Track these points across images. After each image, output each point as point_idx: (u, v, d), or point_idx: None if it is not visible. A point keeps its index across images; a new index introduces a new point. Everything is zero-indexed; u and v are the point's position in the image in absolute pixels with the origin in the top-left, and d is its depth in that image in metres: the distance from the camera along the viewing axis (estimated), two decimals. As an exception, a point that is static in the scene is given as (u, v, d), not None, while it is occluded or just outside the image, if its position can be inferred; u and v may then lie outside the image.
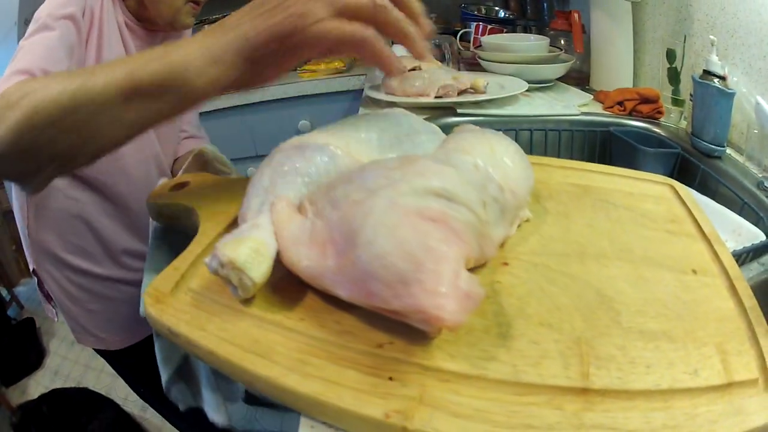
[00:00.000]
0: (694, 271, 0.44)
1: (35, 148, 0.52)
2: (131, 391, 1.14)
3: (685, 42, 1.05)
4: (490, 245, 0.41)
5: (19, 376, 2.49)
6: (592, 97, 1.21)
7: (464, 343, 0.34)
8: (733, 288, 0.42)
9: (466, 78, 1.05)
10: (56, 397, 2.01)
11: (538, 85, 1.24)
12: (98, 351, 1.09)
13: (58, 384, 2.34)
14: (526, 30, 1.64)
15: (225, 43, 0.48)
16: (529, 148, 1.04)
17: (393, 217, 0.34)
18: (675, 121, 1.07)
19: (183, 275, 0.45)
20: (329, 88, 1.87)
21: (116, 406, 1.98)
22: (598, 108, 1.15)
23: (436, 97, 1.02)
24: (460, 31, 1.57)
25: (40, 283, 1.03)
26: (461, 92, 1.04)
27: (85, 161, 0.54)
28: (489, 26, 1.47)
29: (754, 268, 0.58)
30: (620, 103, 1.11)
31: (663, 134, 1.03)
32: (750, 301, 0.40)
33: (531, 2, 1.69)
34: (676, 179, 0.85)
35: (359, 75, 1.87)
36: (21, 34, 2.64)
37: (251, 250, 0.38)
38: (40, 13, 0.81)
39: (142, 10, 0.93)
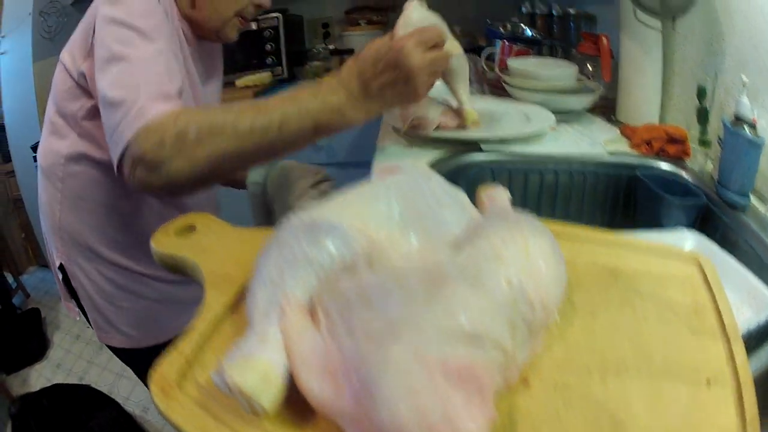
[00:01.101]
0: (708, 382, 0.41)
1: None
2: (133, 390, 1.12)
3: (716, 78, 1.00)
4: (515, 371, 0.38)
5: (21, 365, 2.50)
6: (618, 131, 1.17)
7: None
8: (740, 398, 0.39)
9: (455, 115, 1.01)
10: (58, 391, 2.01)
11: (564, 115, 1.20)
12: (120, 351, 1.08)
13: (60, 377, 2.35)
14: (552, 50, 1.59)
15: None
16: (555, 191, 1.00)
17: (415, 376, 0.31)
18: (701, 163, 1.02)
19: (189, 362, 0.43)
20: (347, 100, 1.83)
21: (117, 406, 1.98)
22: (624, 145, 1.10)
23: (409, 129, 0.99)
24: (484, 47, 1.52)
25: (65, 279, 1.01)
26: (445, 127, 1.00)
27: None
28: (515, 47, 1.42)
29: (764, 353, 0.55)
30: (647, 142, 1.07)
31: (689, 179, 0.99)
32: (752, 410, 0.38)
33: (558, 22, 1.64)
34: (698, 229, 0.82)
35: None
36: (35, 25, 2.62)
37: (260, 375, 0.35)
38: (127, 20, 0.77)
39: (191, 10, 0.92)
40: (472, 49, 1.89)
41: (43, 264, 3.23)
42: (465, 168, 0.94)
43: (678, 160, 1.04)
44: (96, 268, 0.98)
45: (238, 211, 1.61)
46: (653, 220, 0.92)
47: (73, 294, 1.02)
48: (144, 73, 0.73)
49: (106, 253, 0.97)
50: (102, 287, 0.99)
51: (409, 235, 0.51)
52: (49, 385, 2.26)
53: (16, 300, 2.92)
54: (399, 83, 0.74)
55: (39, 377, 2.41)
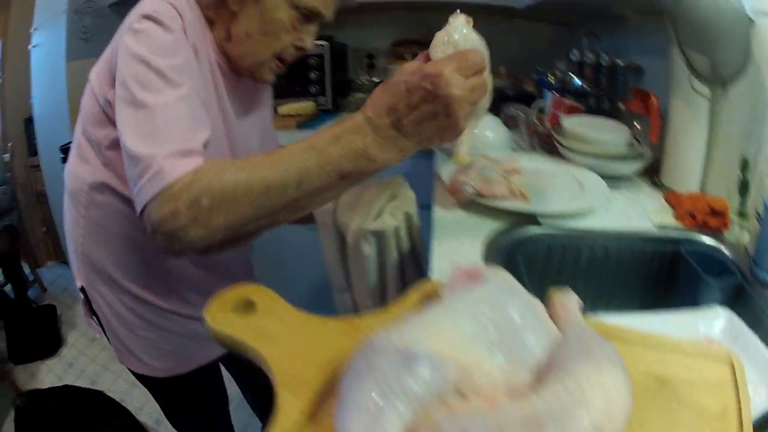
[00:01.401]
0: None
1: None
2: (147, 401, 1.08)
3: (759, 149, 1.00)
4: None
5: (31, 358, 2.48)
6: (662, 197, 1.17)
7: None
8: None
9: (503, 185, 1.00)
10: (69, 393, 1.98)
11: (613, 180, 1.19)
12: (138, 375, 1.05)
13: (71, 377, 2.33)
14: (598, 101, 1.57)
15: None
16: (603, 266, 1.00)
17: None
18: (737, 234, 1.02)
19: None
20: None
21: (129, 416, 1.95)
22: (669, 215, 1.09)
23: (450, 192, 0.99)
24: (531, 93, 1.52)
25: (86, 300, 0.99)
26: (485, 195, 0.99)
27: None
28: (566, 101, 1.41)
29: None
30: (691, 214, 1.07)
31: (727, 254, 0.98)
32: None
33: (606, 72, 1.62)
34: (731, 303, 0.84)
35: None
36: (69, 24, 2.58)
37: None
38: (150, 58, 0.73)
39: (226, 43, 0.88)
40: (519, 95, 1.89)
41: (63, 260, 3.22)
42: (524, 242, 0.93)
43: (717, 232, 1.04)
44: (117, 297, 0.96)
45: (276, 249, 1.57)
46: (690, 297, 0.93)
47: (94, 312, 1.00)
48: (164, 125, 0.70)
49: (128, 285, 0.94)
50: (122, 315, 0.97)
51: (494, 357, 0.50)
52: (58, 382, 2.24)
53: (31, 293, 2.92)
54: (439, 116, 0.64)
55: (49, 373, 2.40)
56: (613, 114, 1.54)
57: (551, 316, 0.59)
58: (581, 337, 0.54)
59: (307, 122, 2.06)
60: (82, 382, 2.25)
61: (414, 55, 2.11)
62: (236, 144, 0.95)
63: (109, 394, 2.00)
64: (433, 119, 0.64)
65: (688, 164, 1.20)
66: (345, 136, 0.65)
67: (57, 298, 2.95)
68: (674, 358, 0.59)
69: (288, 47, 0.89)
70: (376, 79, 2.34)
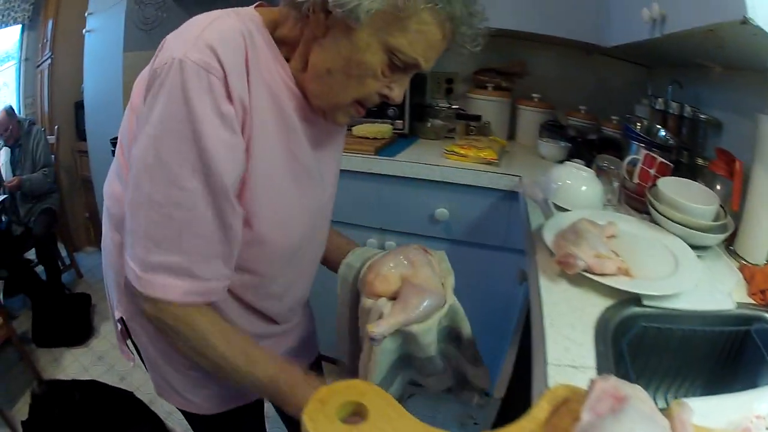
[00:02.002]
0: None
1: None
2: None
3: None
4: None
5: (56, 344, 2.46)
6: (736, 267, 1.14)
7: None
8: None
9: (614, 263, 0.97)
10: (95, 388, 1.93)
11: (698, 249, 1.16)
12: (179, 408, 1.01)
13: (99, 370, 2.30)
14: (678, 153, 1.52)
15: None
16: (688, 344, 0.97)
17: None
18: None
19: None
20: (476, 180, 1.74)
21: (158, 421, 1.91)
22: (743, 291, 1.05)
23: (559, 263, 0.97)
24: (614, 139, 1.47)
25: (124, 330, 0.93)
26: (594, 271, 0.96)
27: None
28: (657, 158, 1.37)
29: None
30: (762, 290, 1.03)
31: None
32: None
33: (688, 124, 1.57)
34: None
35: (512, 175, 1.73)
36: (129, 14, 2.52)
37: None
38: (157, 147, 0.67)
39: (302, 75, 0.78)
40: (603, 141, 1.86)
41: (103, 248, 3.21)
42: (626, 323, 0.90)
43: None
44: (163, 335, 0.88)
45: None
46: (753, 375, 0.92)
47: (127, 336, 0.95)
48: (145, 230, 0.70)
49: None
50: (169, 353, 0.91)
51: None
52: (83, 373, 2.22)
53: (67, 277, 2.89)
54: None
55: (74, 362, 2.37)
56: (693, 170, 1.49)
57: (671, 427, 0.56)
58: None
59: (385, 148, 1.95)
60: (110, 378, 2.22)
61: (495, 86, 2.02)
62: (305, 183, 0.87)
63: (138, 394, 1.95)
64: None
65: (761, 236, 1.18)
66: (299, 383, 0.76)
67: (92, 286, 2.92)
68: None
69: (373, 95, 0.78)
70: (455, 106, 2.22)
